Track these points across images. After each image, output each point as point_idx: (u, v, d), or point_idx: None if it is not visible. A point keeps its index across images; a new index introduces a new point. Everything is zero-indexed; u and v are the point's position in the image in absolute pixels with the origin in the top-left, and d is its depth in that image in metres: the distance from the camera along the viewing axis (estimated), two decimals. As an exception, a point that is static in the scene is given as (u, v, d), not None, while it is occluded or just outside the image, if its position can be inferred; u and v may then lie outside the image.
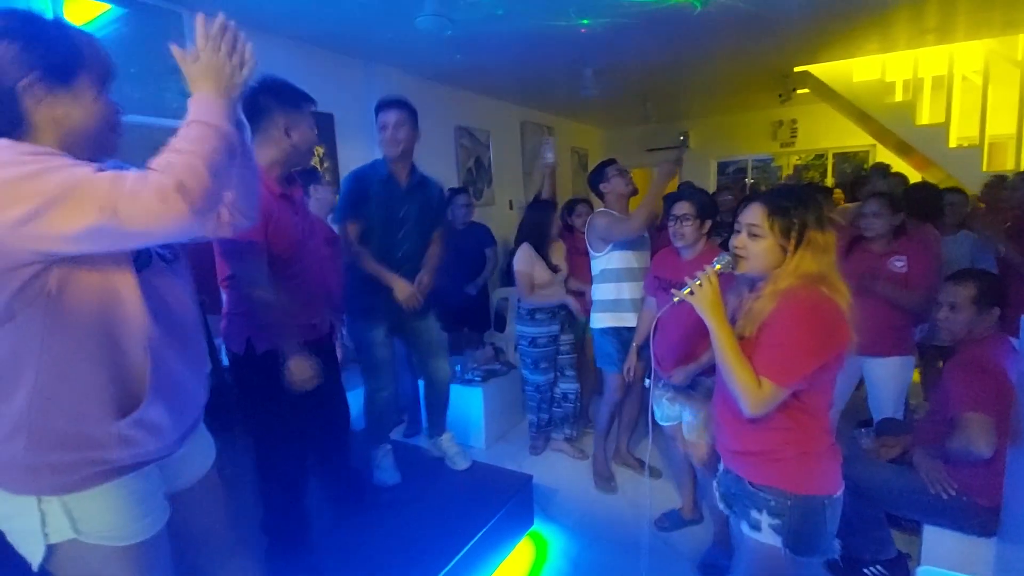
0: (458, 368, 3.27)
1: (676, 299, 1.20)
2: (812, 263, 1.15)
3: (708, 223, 2.02)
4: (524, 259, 2.80)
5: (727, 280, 1.24)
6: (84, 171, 0.76)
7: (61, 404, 0.84)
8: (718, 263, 1.21)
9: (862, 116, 4.95)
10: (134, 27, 2.92)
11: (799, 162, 7.71)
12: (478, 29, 3.46)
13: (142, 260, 0.91)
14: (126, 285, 0.87)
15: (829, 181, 7.24)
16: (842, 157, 7.28)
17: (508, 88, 5.28)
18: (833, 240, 1.18)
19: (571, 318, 2.94)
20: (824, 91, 4.98)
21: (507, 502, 2.10)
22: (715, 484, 1.42)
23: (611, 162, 2.59)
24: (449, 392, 2.44)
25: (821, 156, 7.44)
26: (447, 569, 1.76)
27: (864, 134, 5.59)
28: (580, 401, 3.08)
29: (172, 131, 0.85)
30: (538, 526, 2.30)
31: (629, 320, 2.47)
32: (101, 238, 0.77)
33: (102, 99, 0.89)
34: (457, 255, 3.03)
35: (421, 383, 2.77)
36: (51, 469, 0.84)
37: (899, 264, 2.24)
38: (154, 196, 0.75)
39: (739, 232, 1.22)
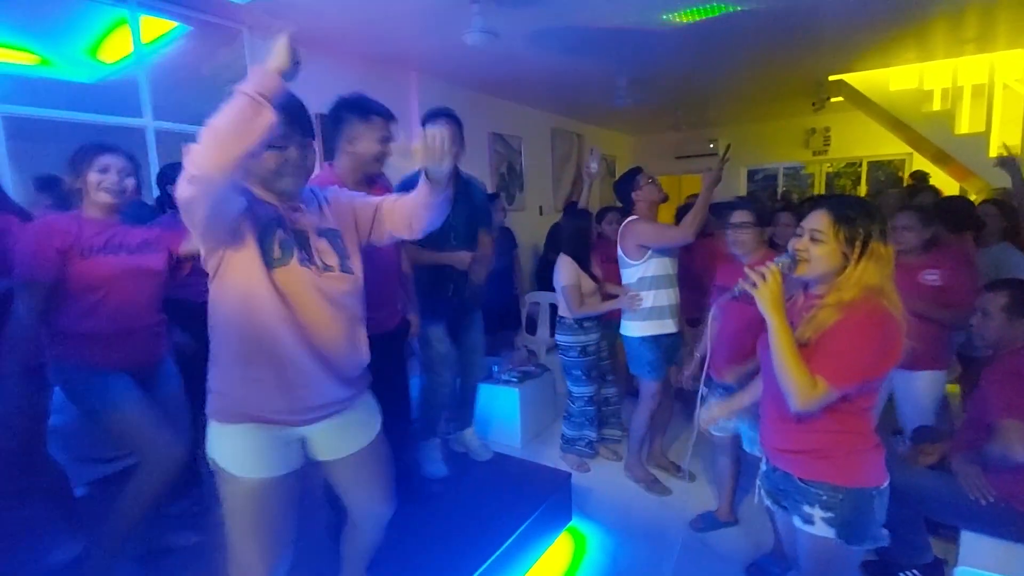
0: (495, 369, 3.38)
1: (737, 290, 1.26)
2: (874, 275, 1.18)
3: (767, 230, 2.04)
4: (570, 272, 2.77)
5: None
6: None
7: (220, 354, 1.17)
8: (778, 262, 1.24)
9: (898, 124, 4.92)
10: (198, 42, 3.13)
11: (831, 170, 7.64)
12: (517, 42, 3.59)
13: (279, 260, 1.13)
14: (255, 276, 1.11)
15: (862, 190, 7.17)
16: (877, 165, 7.19)
17: (540, 96, 5.40)
18: (892, 253, 1.21)
19: (607, 325, 2.95)
20: (859, 100, 4.97)
21: (547, 497, 2.19)
22: (758, 482, 1.47)
23: (639, 170, 2.63)
24: (479, 390, 2.56)
25: (854, 164, 7.36)
26: (491, 559, 1.85)
27: (900, 142, 5.55)
28: (620, 403, 3.13)
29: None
30: (576, 522, 2.38)
31: (669, 327, 2.52)
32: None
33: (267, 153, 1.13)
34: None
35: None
36: (216, 399, 1.18)
37: (931, 278, 2.22)
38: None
39: (801, 236, 1.26)
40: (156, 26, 2.96)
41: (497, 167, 5.35)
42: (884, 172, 7.19)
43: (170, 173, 2.08)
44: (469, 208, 2.27)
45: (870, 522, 1.24)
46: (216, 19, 3.04)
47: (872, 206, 1.25)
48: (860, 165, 7.27)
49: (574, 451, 2.98)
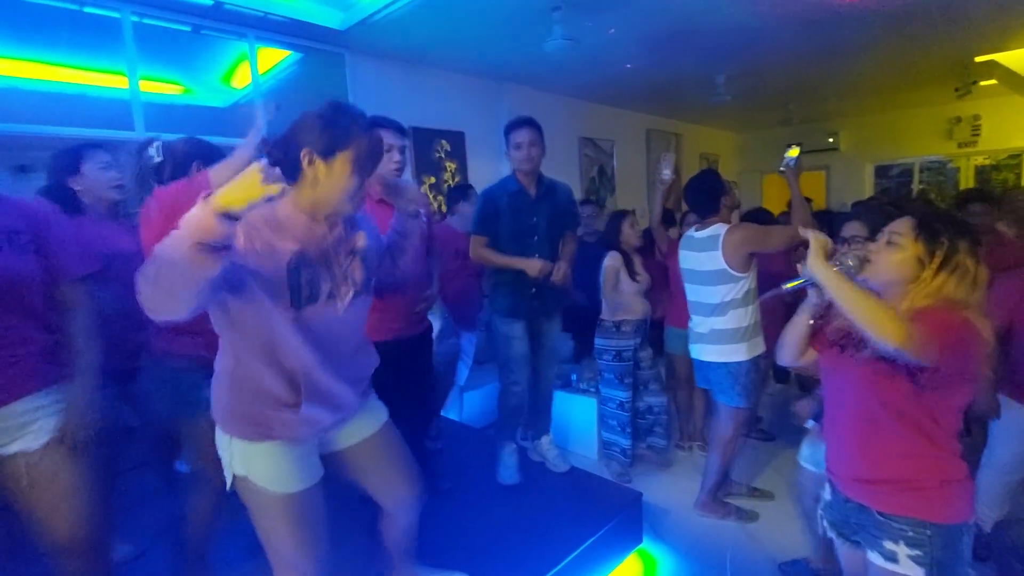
0: (573, 377, 3.34)
1: (793, 285, 1.21)
2: (956, 288, 1.08)
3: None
4: (610, 260, 2.86)
5: None
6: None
7: (245, 385, 1.14)
8: (839, 258, 1.16)
9: (1070, 109, 4.13)
10: (309, 66, 3.46)
11: (985, 162, 6.57)
12: (606, 44, 3.52)
13: (305, 299, 1.11)
14: (279, 318, 1.09)
15: (1025, 184, 6.10)
16: (1044, 157, 6.08)
17: (633, 97, 5.24)
18: (986, 278, 1.09)
19: (652, 332, 2.91)
20: (1017, 82, 4.24)
21: (615, 516, 2.11)
22: (820, 511, 1.33)
23: (718, 173, 2.53)
24: (553, 397, 2.52)
25: (1017, 156, 6.26)
26: (553, 572, 1.83)
27: (1074, 129, 4.66)
28: (667, 413, 3.04)
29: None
30: (647, 544, 2.28)
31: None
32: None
33: (351, 178, 1.10)
34: (583, 266, 3.05)
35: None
36: (238, 420, 1.15)
37: None
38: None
39: (877, 239, 1.18)
40: (274, 55, 3.33)
41: (587, 172, 5.28)
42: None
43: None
44: (552, 210, 2.26)
45: (961, 561, 1.10)
46: (321, 45, 3.33)
47: (966, 224, 1.14)
48: (1021, 157, 6.18)
49: (613, 457, 2.94)
